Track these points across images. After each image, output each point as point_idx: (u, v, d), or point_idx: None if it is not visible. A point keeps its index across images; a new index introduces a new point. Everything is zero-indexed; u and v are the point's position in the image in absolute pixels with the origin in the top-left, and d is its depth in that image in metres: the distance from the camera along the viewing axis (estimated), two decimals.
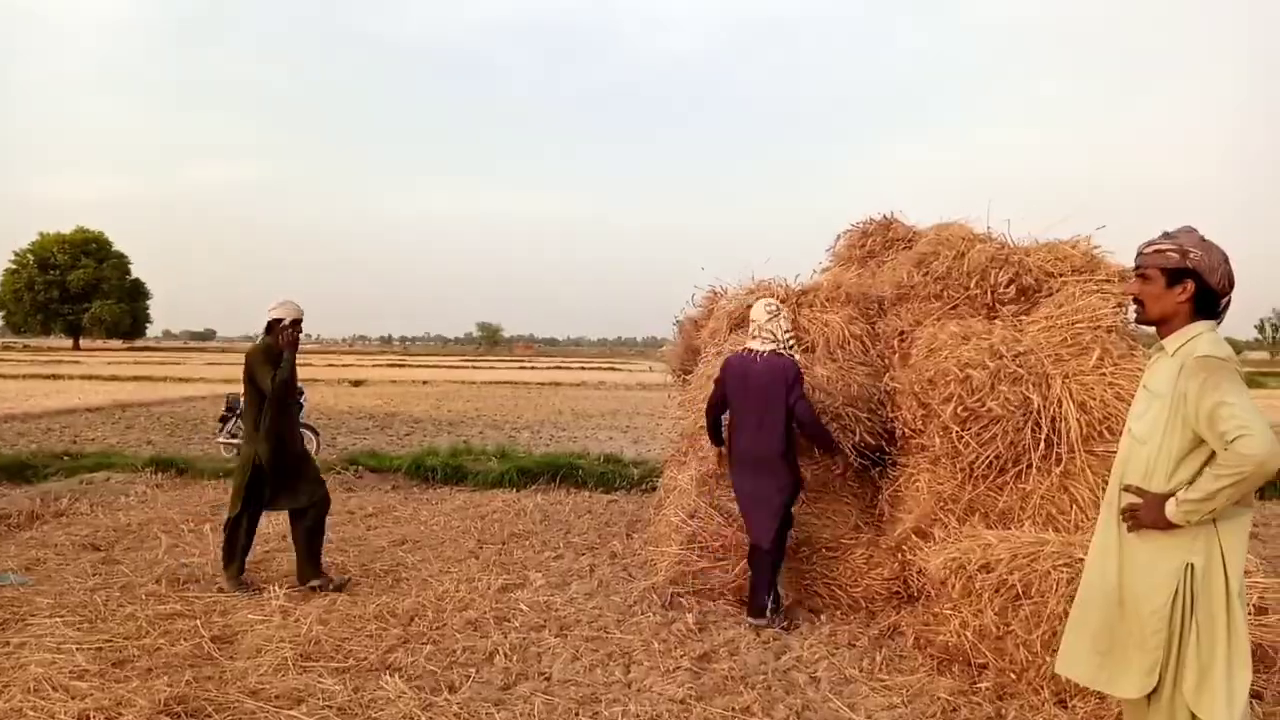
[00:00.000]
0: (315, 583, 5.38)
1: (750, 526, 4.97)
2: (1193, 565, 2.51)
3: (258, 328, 5.47)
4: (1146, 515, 2.57)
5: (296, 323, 5.39)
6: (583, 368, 50.58)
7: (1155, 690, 2.57)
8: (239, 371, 5.51)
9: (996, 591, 4.00)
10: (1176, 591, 2.52)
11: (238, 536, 5.39)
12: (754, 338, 5.14)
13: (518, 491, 9.01)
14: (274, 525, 7.10)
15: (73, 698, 3.63)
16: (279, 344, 5.37)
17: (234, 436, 11.52)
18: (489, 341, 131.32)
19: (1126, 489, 2.66)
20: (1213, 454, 2.48)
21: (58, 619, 4.63)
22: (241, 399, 5.61)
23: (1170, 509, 2.50)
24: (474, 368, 48.27)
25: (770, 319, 5.11)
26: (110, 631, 4.49)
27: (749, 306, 6.34)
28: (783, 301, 6.15)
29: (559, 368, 50.51)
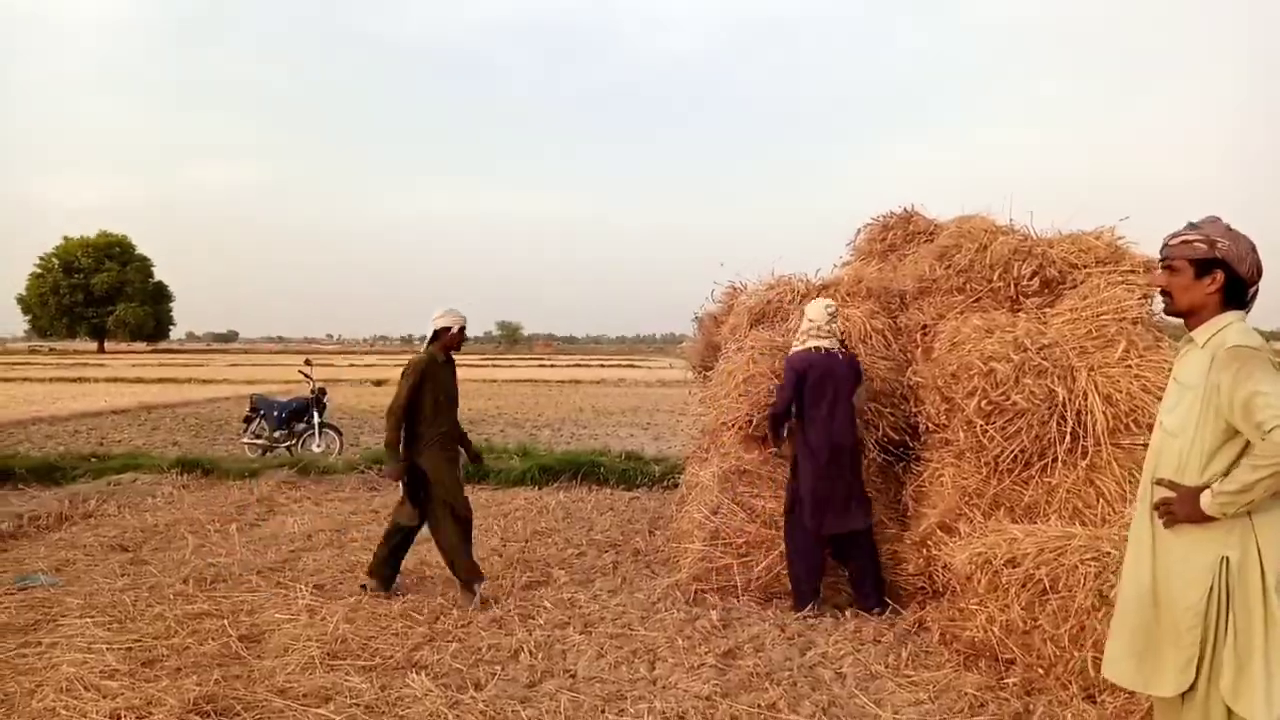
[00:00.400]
0: (365, 584, 5.38)
1: (846, 517, 4.99)
2: (1228, 559, 2.47)
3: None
4: (1181, 509, 2.53)
5: (462, 330, 5.44)
6: (602, 365, 50.62)
7: (1190, 688, 2.53)
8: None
9: (1023, 586, 3.96)
10: (1211, 587, 2.48)
11: (394, 540, 5.42)
12: (815, 337, 5.16)
13: (539, 489, 9.02)
14: (298, 525, 7.16)
15: (104, 697, 3.68)
16: (441, 353, 5.37)
17: (258, 437, 11.62)
18: (509, 340, 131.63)
19: (1159, 483, 2.62)
20: (1247, 445, 2.44)
21: (88, 619, 4.69)
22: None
23: (1206, 501, 2.46)
24: (494, 366, 48.42)
25: (830, 319, 5.19)
26: (139, 631, 4.54)
27: (769, 302, 6.33)
28: (803, 297, 6.13)
29: (579, 365, 50.57)
